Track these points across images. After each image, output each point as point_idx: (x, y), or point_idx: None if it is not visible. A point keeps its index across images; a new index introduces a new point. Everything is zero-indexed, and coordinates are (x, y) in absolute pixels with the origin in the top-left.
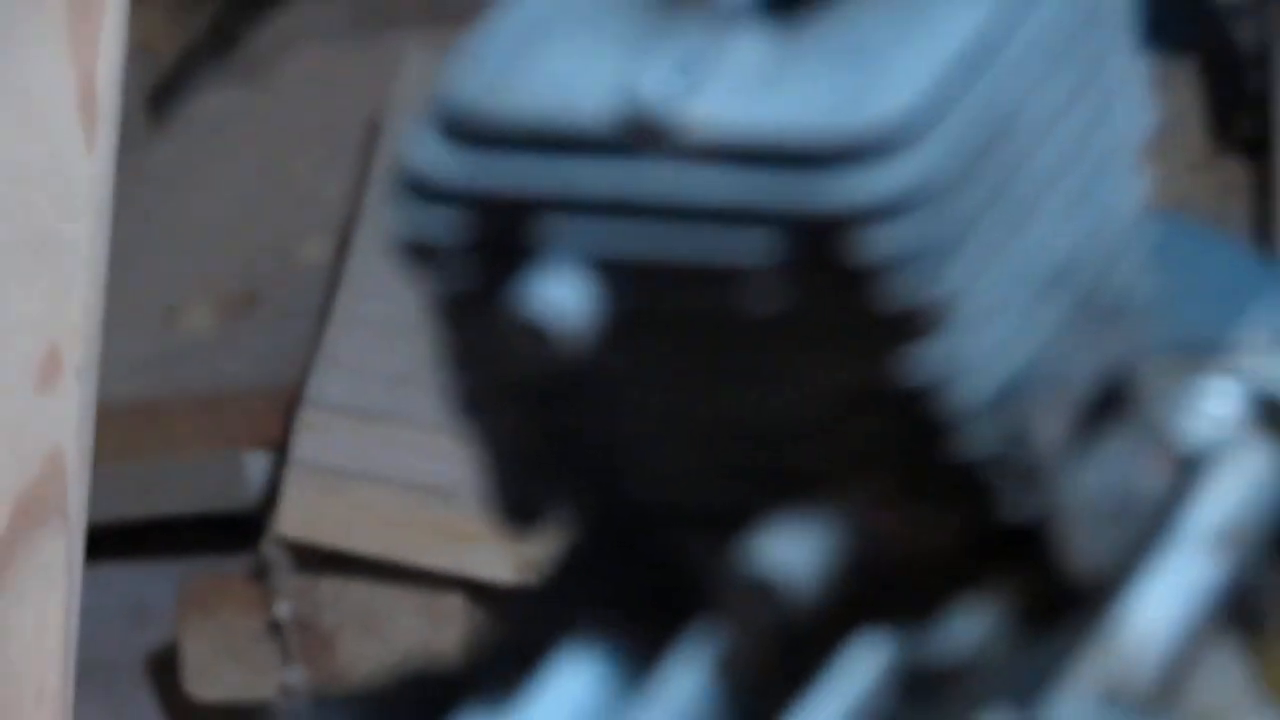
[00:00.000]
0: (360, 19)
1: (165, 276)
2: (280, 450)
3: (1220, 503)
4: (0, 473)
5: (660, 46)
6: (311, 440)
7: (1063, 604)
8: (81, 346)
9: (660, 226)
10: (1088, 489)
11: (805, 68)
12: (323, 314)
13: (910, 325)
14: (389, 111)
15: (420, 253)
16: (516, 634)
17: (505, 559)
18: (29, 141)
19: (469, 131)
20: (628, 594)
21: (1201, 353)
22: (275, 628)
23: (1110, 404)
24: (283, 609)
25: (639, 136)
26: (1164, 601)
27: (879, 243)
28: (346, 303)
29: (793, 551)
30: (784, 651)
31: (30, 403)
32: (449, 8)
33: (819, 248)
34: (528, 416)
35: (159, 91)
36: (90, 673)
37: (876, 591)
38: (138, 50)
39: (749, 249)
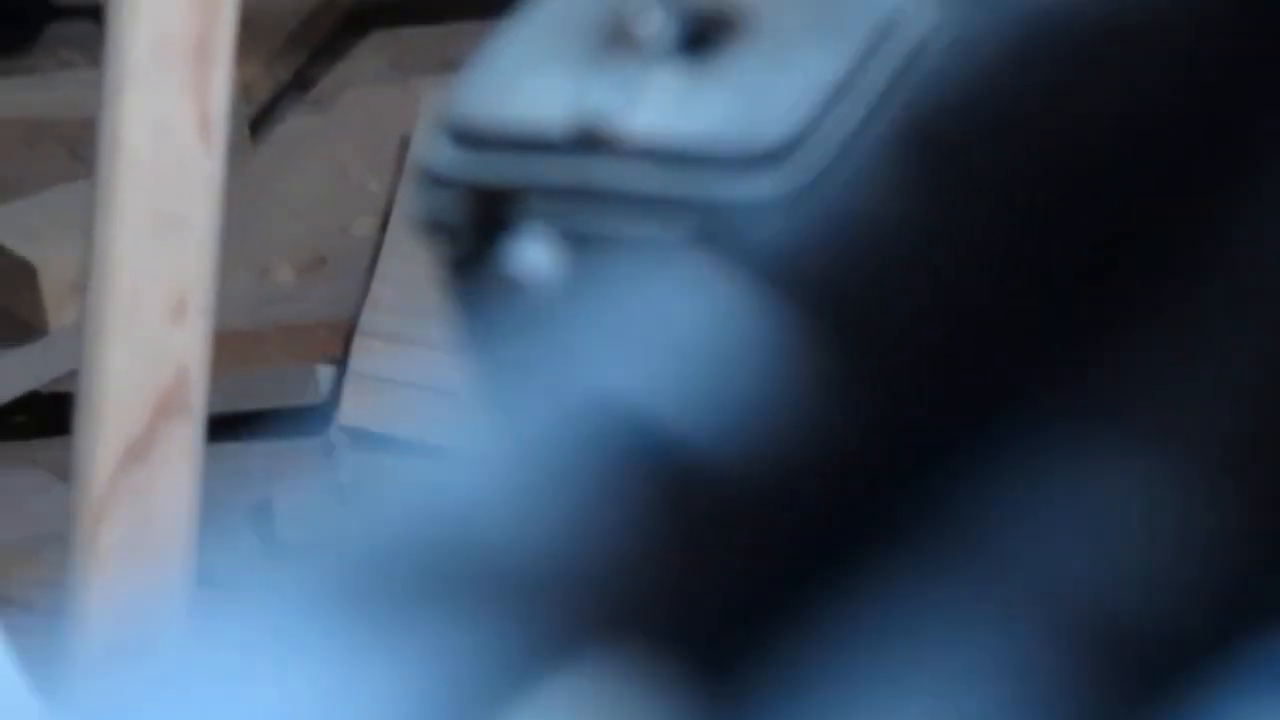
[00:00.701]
0: (396, 67)
1: (260, 245)
2: (342, 365)
3: None
4: (144, 382)
5: (606, 74)
6: (363, 358)
7: None
8: (201, 293)
9: (605, 208)
10: None
11: (710, 94)
12: (370, 271)
13: None
14: (415, 131)
15: (432, 227)
16: None
17: None
18: (163, 152)
19: (467, 136)
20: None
21: None
22: (340, 487)
23: None
24: (344, 475)
25: (589, 141)
26: None
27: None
28: (386, 263)
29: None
30: None
31: (166, 332)
32: (457, 60)
33: (715, 229)
34: None
35: (257, 118)
36: (207, 519)
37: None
38: (242, 89)
39: (667, 227)
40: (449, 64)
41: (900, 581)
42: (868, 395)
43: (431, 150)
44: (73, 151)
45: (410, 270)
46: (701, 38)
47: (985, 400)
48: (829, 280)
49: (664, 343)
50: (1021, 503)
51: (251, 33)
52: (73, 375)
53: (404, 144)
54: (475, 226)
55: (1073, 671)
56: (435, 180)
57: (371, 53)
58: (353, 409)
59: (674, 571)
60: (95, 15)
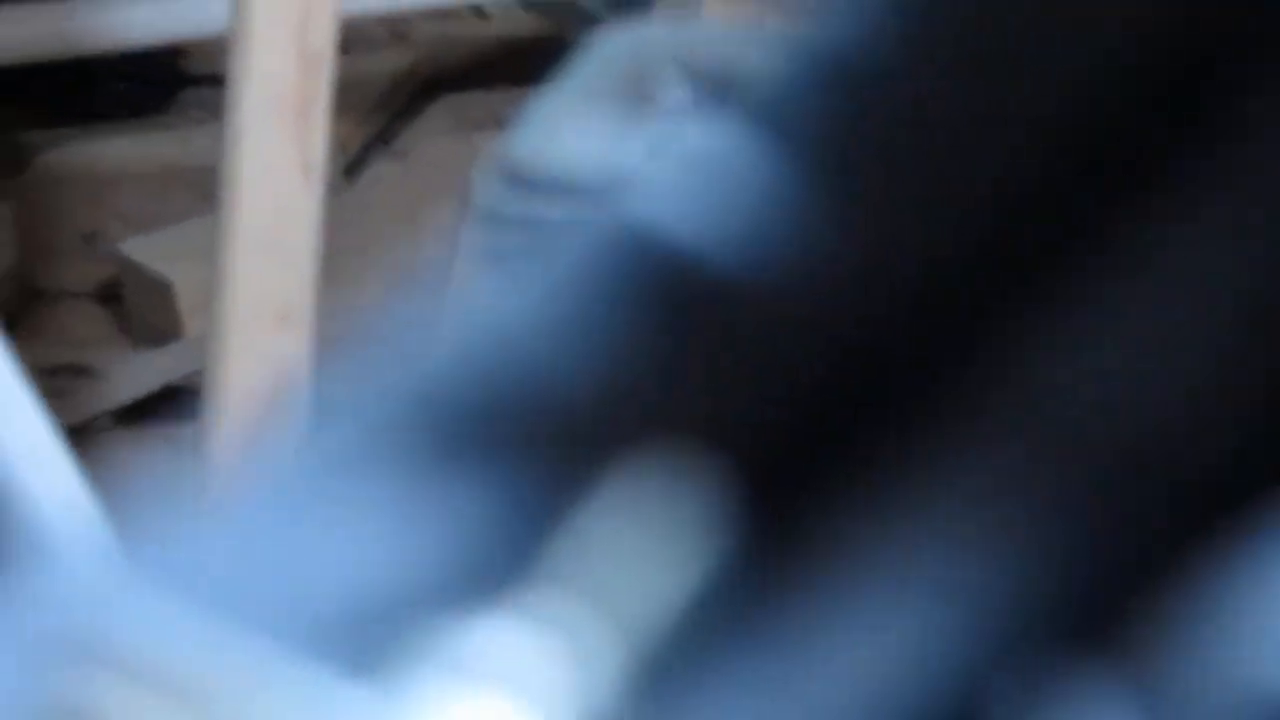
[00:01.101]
0: (463, 123)
1: (351, 268)
2: None
3: None
4: (261, 376)
5: (633, 131)
6: None
7: None
8: (303, 306)
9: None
10: None
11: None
12: (440, 289)
13: None
14: (476, 176)
15: (491, 253)
16: None
17: None
18: (273, 192)
19: (518, 179)
20: None
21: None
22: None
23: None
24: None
25: (617, 184)
26: None
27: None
28: (455, 284)
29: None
30: None
31: (275, 337)
32: (511, 119)
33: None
34: None
35: (348, 166)
36: None
37: None
38: (337, 142)
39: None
40: (504, 122)
41: (936, 416)
42: (877, 232)
43: (489, 192)
44: (201, 191)
45: (472, 289)
46: (709, 99)
47: (1022, 232)
48: (843, 135)
49: (686, 177)
50: (1059, 332)
51: (345, 97)
52: (201, 372)
53: (467, 187)
54: (525, 253)
55: (1115, 508)
56: (492, 216)
57: (442, 113)
58: None
59: (710, 391)
60: (219, 81)
